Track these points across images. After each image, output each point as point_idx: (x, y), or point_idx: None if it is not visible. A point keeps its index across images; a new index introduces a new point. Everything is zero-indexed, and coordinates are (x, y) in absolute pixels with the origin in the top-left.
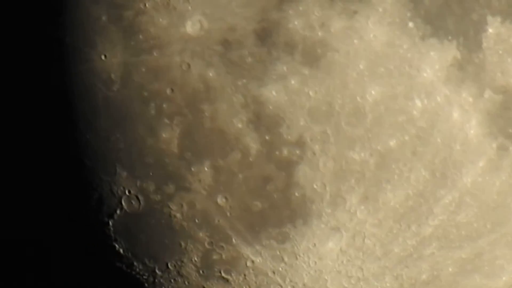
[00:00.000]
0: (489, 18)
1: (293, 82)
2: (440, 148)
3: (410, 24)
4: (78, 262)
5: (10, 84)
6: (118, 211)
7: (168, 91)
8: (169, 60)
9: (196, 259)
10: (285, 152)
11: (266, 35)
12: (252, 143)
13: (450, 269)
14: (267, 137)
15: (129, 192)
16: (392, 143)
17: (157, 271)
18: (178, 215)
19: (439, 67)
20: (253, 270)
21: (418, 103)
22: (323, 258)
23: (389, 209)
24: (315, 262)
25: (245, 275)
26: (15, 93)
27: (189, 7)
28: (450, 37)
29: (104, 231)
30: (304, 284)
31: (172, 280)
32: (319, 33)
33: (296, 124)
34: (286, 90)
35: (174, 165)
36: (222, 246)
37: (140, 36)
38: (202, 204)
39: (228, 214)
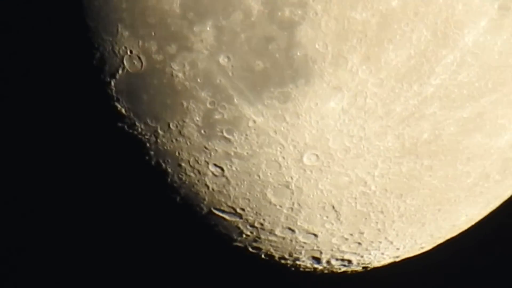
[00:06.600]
0: None
1: None
2: (442, 8)
3: None
4: (80, 124)
5: None
6: (120, 71)
7: None
8: None
9: (198, 119)
10: (287, 12)
11: None
12: (254, 3)
13: (452, 129)
14: None
15: (131, 52)
16: (394, 3)
17: (159, 131)
18: (180, 75)
19: None
20: (255, 129)
21: None
22: (325, 117)
23: (390, 69)
24: (317, 122)
25: (247, 134)
26: None
27: None
28: None
29: (106, 91)
30: (305, 143)
31: (174, 140)
32: None
33: None
34: None
35: (177, 25)
36: (224, 106)
37: None
38: (204, 64)
39: (230, 73)
